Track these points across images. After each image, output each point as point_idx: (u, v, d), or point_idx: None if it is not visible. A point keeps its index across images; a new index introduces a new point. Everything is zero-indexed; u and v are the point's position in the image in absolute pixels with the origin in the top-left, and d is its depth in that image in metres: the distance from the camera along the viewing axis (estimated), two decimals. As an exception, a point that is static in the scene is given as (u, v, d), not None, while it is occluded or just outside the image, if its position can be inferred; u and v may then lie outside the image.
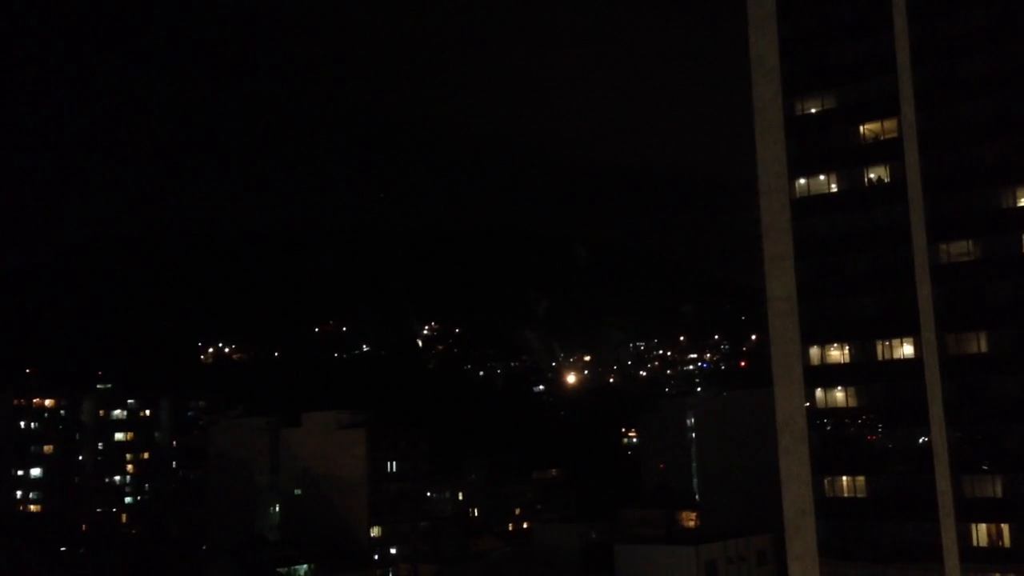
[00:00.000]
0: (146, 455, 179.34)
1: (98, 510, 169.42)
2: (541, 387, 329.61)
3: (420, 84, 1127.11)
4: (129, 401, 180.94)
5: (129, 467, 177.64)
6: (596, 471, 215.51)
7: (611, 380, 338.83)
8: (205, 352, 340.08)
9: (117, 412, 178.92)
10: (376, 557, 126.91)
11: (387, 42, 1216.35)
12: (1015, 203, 70.04)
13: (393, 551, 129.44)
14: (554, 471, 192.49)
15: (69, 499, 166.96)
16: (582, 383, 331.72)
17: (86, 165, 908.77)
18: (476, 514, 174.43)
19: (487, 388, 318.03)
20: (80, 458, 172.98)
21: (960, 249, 71.67)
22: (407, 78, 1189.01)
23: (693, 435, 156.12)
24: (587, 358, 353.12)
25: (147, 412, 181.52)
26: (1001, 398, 69.62)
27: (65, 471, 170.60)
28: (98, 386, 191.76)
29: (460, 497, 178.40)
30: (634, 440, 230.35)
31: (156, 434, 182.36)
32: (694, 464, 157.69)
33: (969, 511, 68.86)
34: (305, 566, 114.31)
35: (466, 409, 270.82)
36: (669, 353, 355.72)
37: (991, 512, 68.70)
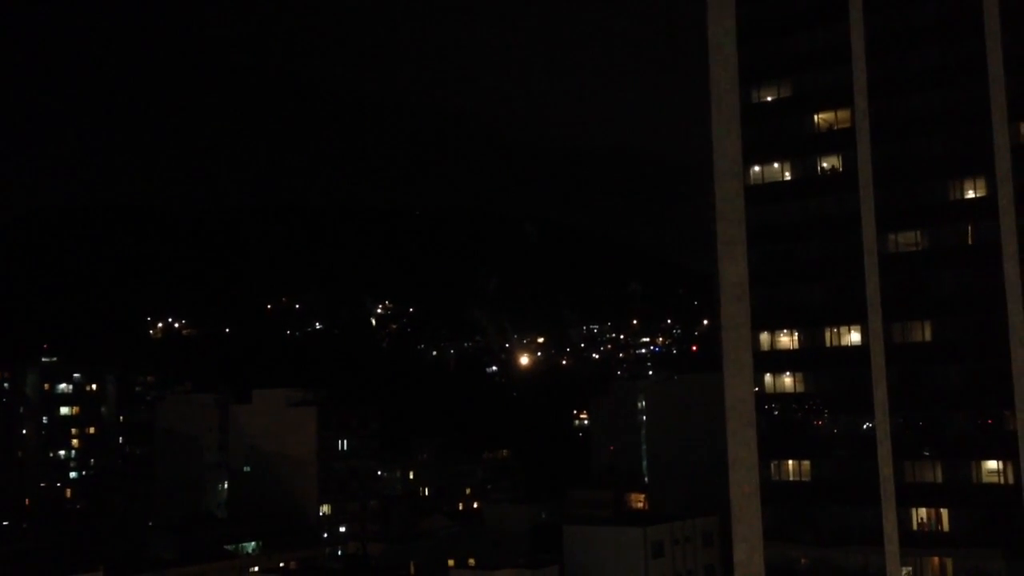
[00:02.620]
0: (92, 430, 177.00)
1: (42, 485, 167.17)
2: (494, 368, 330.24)
3: (372, 62, 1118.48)
4: (75, 375, 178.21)
5: (74, 442, 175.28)
6: (547, 452, 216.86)
7: (563, 362, 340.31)
8: (154, 327, 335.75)
9: (63, 386, 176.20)
10: (325, 535, 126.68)
11: (338, 18, 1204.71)
12: (962, 195, 71.30)
13: (342, 529, 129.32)
14: (505, 452, 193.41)
15: (12, 474, 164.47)
16: (534, 364, 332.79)
17: (31, 134, 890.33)
18: (426, 493, 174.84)
19: (439, 368, 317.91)
20: (24, 432, 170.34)
21: (908, 239, 72.85)
22: (358, 56, 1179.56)
23: (644, 418, 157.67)
24: (540, 340, 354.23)
25: (93, 386, 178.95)
26: (943, 386, 71.08)
27: (8, 445, 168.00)
28: (43, 359, 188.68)
29: (410, 476, 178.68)
30: (585, 422, 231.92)
31: (102, 409, 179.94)
32: (644, 447, 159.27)
33: (910, 496, 70.32)
34: (253, 544, 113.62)
35: (418, 389, 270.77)
36: (622, 336, 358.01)
37: (931, 497, 70.28)
